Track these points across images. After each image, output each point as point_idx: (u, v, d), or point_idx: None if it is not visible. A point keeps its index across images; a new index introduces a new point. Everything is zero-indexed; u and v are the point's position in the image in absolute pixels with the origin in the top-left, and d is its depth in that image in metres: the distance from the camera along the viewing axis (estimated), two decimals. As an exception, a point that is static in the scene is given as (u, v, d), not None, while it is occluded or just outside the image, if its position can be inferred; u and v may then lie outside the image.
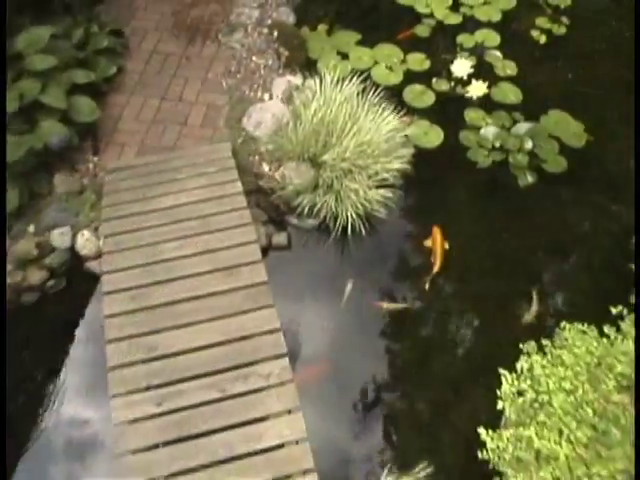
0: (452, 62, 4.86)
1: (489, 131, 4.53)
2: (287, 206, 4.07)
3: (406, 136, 4.34)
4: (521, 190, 4.31)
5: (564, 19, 5.28)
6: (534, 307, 3.61)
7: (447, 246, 3.98)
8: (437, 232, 3.99)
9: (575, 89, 4.99)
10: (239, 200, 3.75)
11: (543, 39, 5.16)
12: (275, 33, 4.82)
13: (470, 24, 5.20)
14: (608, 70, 5.12)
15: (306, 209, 3.97)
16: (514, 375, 2.70)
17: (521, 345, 2.80)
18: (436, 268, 3.85)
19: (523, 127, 4.56)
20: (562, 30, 5.22)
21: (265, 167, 4.19)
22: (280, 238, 3.98)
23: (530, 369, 2.67)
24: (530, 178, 4.37)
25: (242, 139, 4.24)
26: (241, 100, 4.41)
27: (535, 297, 3.65)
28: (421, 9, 5.27)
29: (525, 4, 5.41)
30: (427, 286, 3.78)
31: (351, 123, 4.10)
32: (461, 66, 4.82)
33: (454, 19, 5.22)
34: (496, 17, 5.25)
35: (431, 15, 5.24)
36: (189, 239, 3.54)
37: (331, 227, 3.97)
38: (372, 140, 4.04)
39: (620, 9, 5.60)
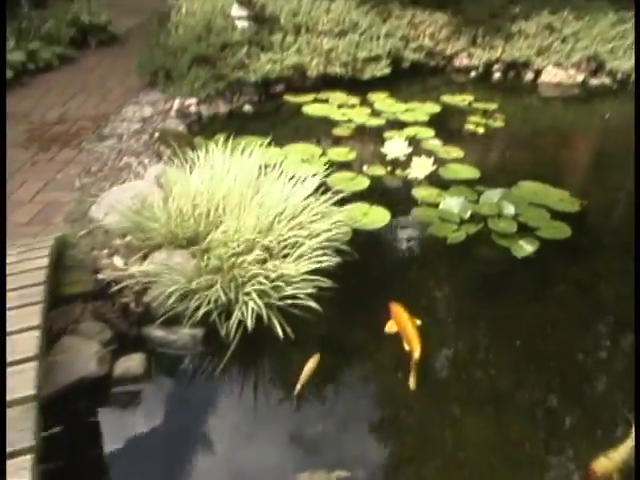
0: (383, 145, 3.90)
1: (452, 203, 3.30)
2: (148, 314, 2.37)
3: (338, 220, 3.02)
4: (517, 261, 2.90)
5: (497, 116, 4.71)
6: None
7: (419, 322, 2.40)
8: (398, 309, 2.45)
9: (539, 166, 4.11)
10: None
11: (481, 130, 4.44)
12: (156, 134, 3.81)
13: (396, 125, 4.47)
14: (560, 153, 4.47)
15: (184, 314, 2.30)
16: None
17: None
18: (417, 353, 2.19)
19: (495, 194, 3.39)
20: (499, 123, 4.58)
21: (118, 262, 2.60)
22: (131, 363, 2.16)
23: None
24: (528, 247, 2.98)
25: (85, 231, 2.75)
26: (96, 194, 3.07)
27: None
28: (337, 117, 4.57)
29: (450, 110, 4.88)
30: (412, 383, 2.12)
31: (253, 195, 2.79)
32: (395, 145, 3.83)
33: (377, 122, 4.50)
34: (423, 118, 4.60)
35: (350, 121, 4.52)
36: None
37: (225, 336, 2.25)
38: (285, 214, 2.68)
39: (549, 108, 5.31)
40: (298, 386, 2.12)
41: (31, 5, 5.50)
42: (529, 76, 5.54)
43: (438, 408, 2.11)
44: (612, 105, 5.31)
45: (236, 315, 2.28)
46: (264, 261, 2.48)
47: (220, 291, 2.31)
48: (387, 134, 4.23)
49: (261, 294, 2.35)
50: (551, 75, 5.43)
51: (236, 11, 4.75)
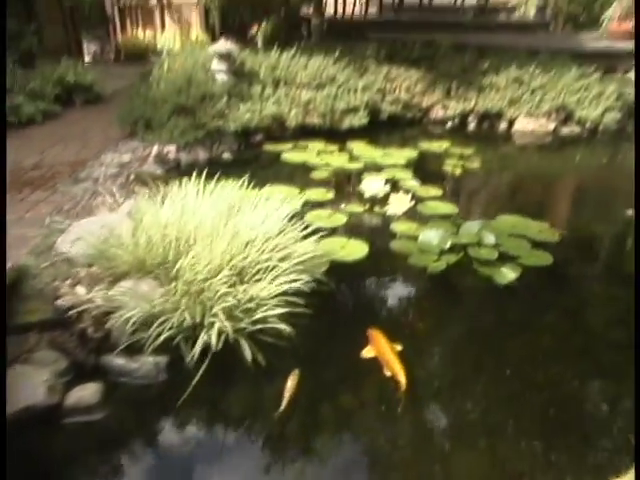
0: (360, 182, 3.89)
1: (431, 235, 3.24)
2: (108, 342, 2.21)
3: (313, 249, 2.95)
4: (501, 289, 2.81)
5: (474, 159, 4.79)
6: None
7: (399, 347, 2.28)
8: (376, 334, 2.34)
9: (517, 202, 4.13)
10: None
11: (458, 171, 4.49)
12: (132, 176, 3.78)
13: (374, 168, 4.50)
14: (537, 191, 4.52)
15: (147, 341, 2.15)
16: None
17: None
18: (402, 378, 2.05)
19: (475, 225, 3.34)
20: (475, 165, 4.65)
21: (81, 290, 2.45)
22: (85, 393, 1.98)
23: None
24: (511, 274, 2.90)
25: (48, 263, 2.63)
26: (64, 228, 2.98)
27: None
28: (315, 162, 4.61)
29: (428, 155, 4.96)
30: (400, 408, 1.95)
31: (225, 224, 2.72)
32: (373, 184, 3.83)
33: (355, 165, 4.54)
34: (401, 162, 4.66)
35: (328, 165, 4.56)
36: None
37: (191, 363, 2.10)
38: (257, 241, 2.61)
39: (524, 154, 5.43)
40: (284, 402, 2.00)
41: (18, 65, 5.65)
42: (503, 126, 5.72)
43: (428, 439, 1.94)
44: (584, 151, 5.45)
45: (202, 339, 2.14)
46: (234, 285, 2.37)
47: (186, 315, 2.18)
48: (365, 175, 4.27)
49: (230, 317, 2.22)
50: (523, 124, 5.62)
51: (216, 65, 4.92)
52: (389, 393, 2.08)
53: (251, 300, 2.29)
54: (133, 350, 2.17)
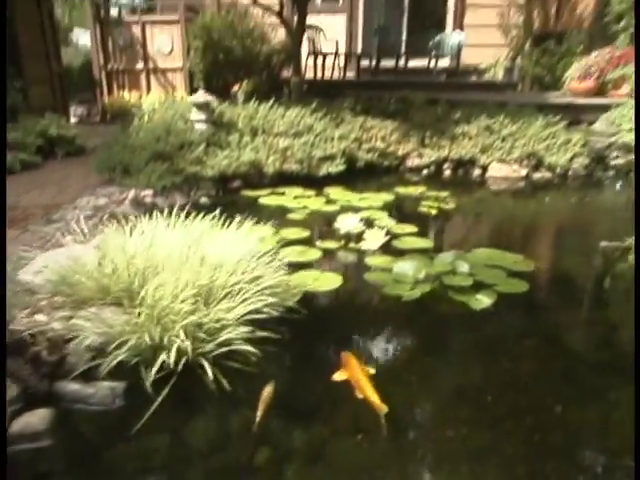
0: (331, 216, 3.91)
1: (406, 266, 3.22)
2: (63, 367, 2.09)
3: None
4: (478, 315, 2.76)
5: (449, 200, 4.86)
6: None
7: (372, 371, 2.21)
8: (349, 357, 2.26)
9: (492, 238, 4.17)
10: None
11: (434, 212, 4.54)
12: (106, 217, 3.75)
13: (350, 209, 4.52)
14: (511, 228, 4.61)
15: (104, 366, 2.04)
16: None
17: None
18: (376, 399, 1.98)
19: (449, 255, 3.33)
20: (451, 206, 4.71)
21: (40, 317, 2.36)
22: (32, 419, 1.85)
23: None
24: (486, 299, 2.87)
25: (10, 293, 2.53)
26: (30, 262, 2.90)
27: None
28: (293, 205, 4.64)
29: (404, 198, 5.03)
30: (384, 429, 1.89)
31: (194, 251, 2.68)
32: (348, 221, 3.84)
33: (331, 208, 4.57)
34: (378, 204, 4.71)
35: (305, 207, 4.59)
36: None
37: (152, 389, 1.99)
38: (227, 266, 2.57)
39: (498, 197, 5.54)
40: (258, 414, 1.94)
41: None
42: (477, 172, 5.87)
43: (402, 461, 1.82)
44: (556, 194, 5.59)
45: (160, 360, 2.04)
46: (197, 306, 2.29)
47: (145, 336, 2.09)
48: (341, 217, 4.28)
49: (192, 339, 2.14)
50: (497, 170, 5.78)
51: (195, 115, 5.06)
52: (362, 417, 1.98)
53: (216, 321, 2.22)
54: (90, 376, 2.06)
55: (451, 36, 9.37)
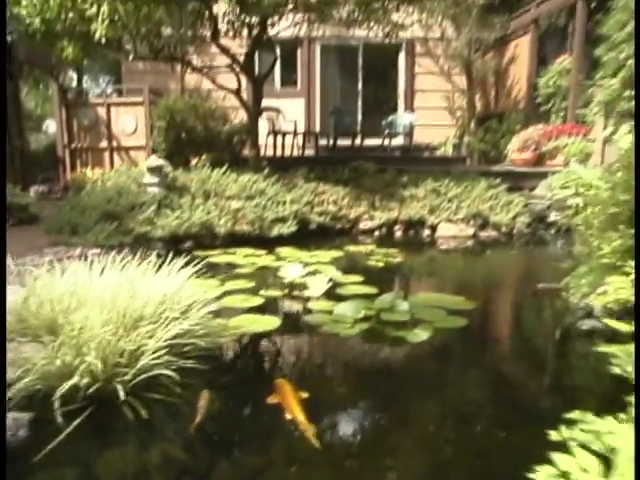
0: (279, 269, 3.92)
1: (345, 308, 3.22)
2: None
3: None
4: (418, 349, 2.75)
5: (397, 255, 4.96)
6: None
7: (305, 395, 2.16)
8: (281, 382, 2.26)
9: (436, 286, 4.22)
10: None
11: (381, 264, 4.62)
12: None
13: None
14: (455, 278, 4.73)
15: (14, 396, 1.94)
16: None
17: None
18: (302, 418, 1.98)
19: (389, 296, 3.36)
20: (399, 259, 4.81)
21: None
22: None
23: None
24: (424, 333, 2.87)
25: None
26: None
27: None
28: (242, 262, 4.65)
29: (353, 254, 5.12)
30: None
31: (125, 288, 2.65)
32: (292, 269, 3.86)
33: (280, 263, 4.59)
34: (326, 259, 4.76)
35: (254, 263, 4.60)
36: None
37: (63, 419, 1.88)
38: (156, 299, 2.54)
39: (446, 255, 5.68)
40: (197, 419, 1.97)
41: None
42: (427, 232, 6.07)
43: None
44: (501, 251, 5.79)
45: (74, 390, 1.94)
46: (118, 334, 2.22)
47: (57, 361, 2.00)
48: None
49: (109, 365, 2.05)
50: (445, 230, 5.99)
51: (148, 178, 5.18)
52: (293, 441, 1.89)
53: (137, 349, 2.15)
54: (-6, 407, 1.92)
55: (403, 117, 10.06)
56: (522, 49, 9.68)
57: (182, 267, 3.18)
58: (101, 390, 2.02)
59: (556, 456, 1.00)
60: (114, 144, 9.32)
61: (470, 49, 9.86)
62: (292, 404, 2.06)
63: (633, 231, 2.66)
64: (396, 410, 2.17)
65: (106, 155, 9.42)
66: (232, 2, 5.15)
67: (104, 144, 9.29)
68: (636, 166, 3.38)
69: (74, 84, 16.44)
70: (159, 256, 4.74)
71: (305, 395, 2.15)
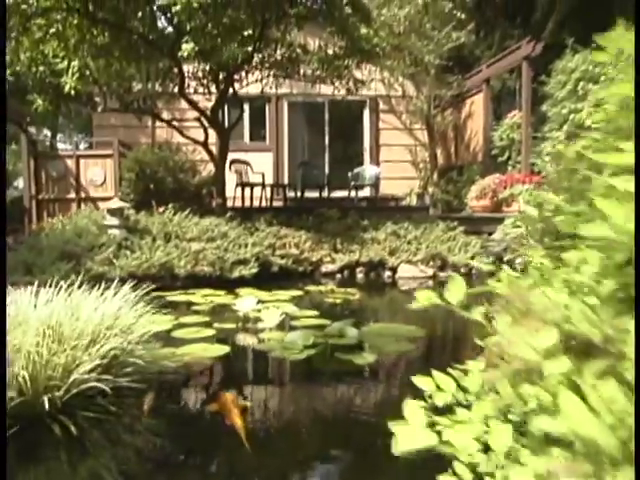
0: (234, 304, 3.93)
1: (295, 336, 3.23)
2: None
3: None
4: (357, 368, 2.78)
5: (356, 294, 5.03)
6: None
7: (248, 404, 2.26)
8: (223, 394, 2.31)
9: (394, 321, 4.27)
10: None
11: (339, 301, 4.67)
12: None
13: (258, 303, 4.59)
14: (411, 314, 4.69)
15: None
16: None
17: None
18: (239, 421, 2.03)
19: (339, 324, 3.39)
20: (357, 297, 4.88)
21: None
22: None
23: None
24: (371, 356, 2.91)
25: None
26: None
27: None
28: (199, 300, 4.64)
29: (313, 293, 5.15)
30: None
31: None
32: (245, 302, 3.88)
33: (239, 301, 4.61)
34: (286, 297, 4.79)
35: (212, 302, 4.59)
36: None
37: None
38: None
39: (405, 295, 5.73)
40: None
41: None
42: (387, 274, 6.18)
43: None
44: (462, 290, 5.91)
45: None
46: (55, 353, 2.20)
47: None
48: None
49: (41, 383, 2.02)
50: (405, 271, 6.11)
51: (108, 220, 5.21)
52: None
53: (71, 364, 2.12)
54: None
55: (368, 169, 10.44)
56: (477, 106, 10.30)
57: (136, 301, 3.16)
58: (28, 404, 1.98)
59: (417, 379, 1.13)
60: (82, 195, 9.36)
61: (430, 106, 10.45)
62: (231, 412, 2.08)
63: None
64: (323, 410, 2.19)
65: (74, 206, 9.42)
66: (194, 53, 5.42)
67: (72, 195, 9.33)
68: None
69: (47, 143, 16.67)
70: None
71: (248, 404, 2.19)
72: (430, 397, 1.18)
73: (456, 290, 1.11)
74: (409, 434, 1.00)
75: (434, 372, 1.21)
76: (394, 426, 1.05)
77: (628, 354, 0.72)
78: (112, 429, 2.09)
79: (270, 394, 2.57)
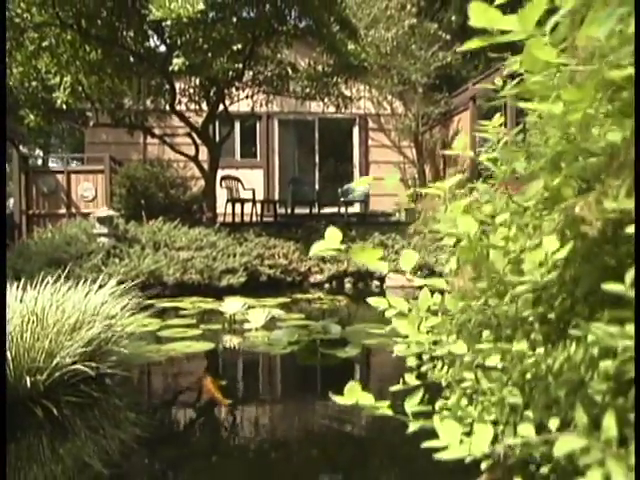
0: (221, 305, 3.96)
1: (280, 333, 3.28)
2: None
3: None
4: (340, 361, 2.82)
5: (343, 300, 5.07)
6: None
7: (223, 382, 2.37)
8: (206, 376, 2.56)
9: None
10: None
11: (326, 306, 4.71)
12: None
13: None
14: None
15: None
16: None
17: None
18: (217, 394, 2.22)
19: (324, 322, 3.44)
20: (344, 302, 4.92)
21: None
22: None
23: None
24: (354, 350, 2.97)
25: None
26: None
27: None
28: (187, 306, 4.65)
29: (300, 300, 5.19)
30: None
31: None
32: (232, 304, 3.91)
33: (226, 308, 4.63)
34: (273, 303, 4.81)
35: (199, 307, 4.61)
36: None
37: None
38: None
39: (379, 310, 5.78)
40: None
41: None
42: (376, 283, 6.24)
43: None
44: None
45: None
46: (38, 337, 2.23)
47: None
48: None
49: (24, 365, 2.05)
50: (393, 280, 6.17)
51: (98, 228, 5.25)
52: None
53: (54, 348, 2.15)
54: None
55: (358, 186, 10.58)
56: (464, 123, 10.53)
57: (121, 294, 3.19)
58: (10, 387, 2.00)
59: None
60: (73, 210, 9.39)
61: (418, 123, 10.67)
62: (211, 387, 2.24)
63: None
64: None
65: (64, 221, 9.46)
66: (184, 68, 5.55)
67: (63, 210, 9.35)
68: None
69: (40, 161, 16.74)
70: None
71: (223, 382, 2.27)
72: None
73: (408, 259, 1.25)
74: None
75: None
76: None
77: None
78: (93, 412, 2.11)
79: (248, 377, 2.61)
